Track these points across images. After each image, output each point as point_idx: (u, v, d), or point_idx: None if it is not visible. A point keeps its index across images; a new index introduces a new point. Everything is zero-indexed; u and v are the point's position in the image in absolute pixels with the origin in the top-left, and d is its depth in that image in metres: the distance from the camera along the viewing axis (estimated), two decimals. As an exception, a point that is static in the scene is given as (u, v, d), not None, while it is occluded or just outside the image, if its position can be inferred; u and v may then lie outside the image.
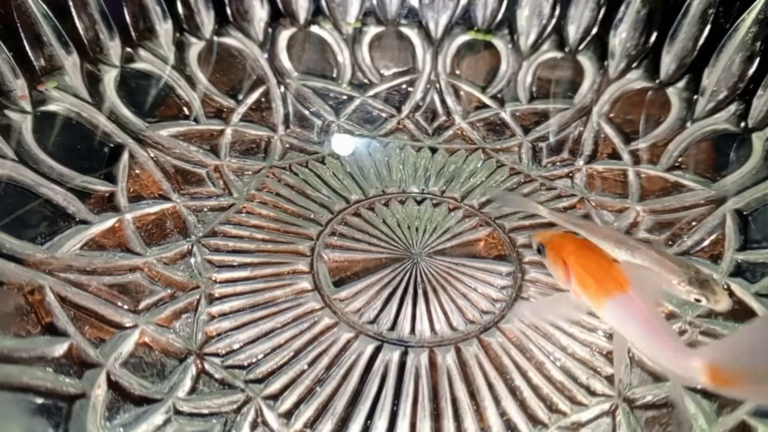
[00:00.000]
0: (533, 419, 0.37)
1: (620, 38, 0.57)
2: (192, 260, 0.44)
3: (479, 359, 0.40)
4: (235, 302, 0.42)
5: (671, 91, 0.57)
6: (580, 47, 0.59)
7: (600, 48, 0.58)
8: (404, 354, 0.40)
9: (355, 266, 0.45)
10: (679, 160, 0.53)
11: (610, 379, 0.39)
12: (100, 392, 0.34)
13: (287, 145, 0.54)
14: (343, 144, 0.54)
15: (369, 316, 0.42)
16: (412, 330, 0.41)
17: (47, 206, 0.41)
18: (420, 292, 0.43)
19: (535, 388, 0.38)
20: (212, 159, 0.51)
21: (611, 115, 0.57)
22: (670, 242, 0.47)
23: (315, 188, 0.51)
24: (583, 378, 0.39)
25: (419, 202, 0.50)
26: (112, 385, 0.35)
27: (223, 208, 0.48)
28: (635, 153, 0.54)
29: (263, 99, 0.56)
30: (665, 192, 0.51)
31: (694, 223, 0.48)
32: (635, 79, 0.57)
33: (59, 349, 0.35)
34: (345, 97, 0.58)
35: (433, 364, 0.39)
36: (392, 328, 0.41)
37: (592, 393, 0.39)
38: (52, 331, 0.35)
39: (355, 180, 0.52)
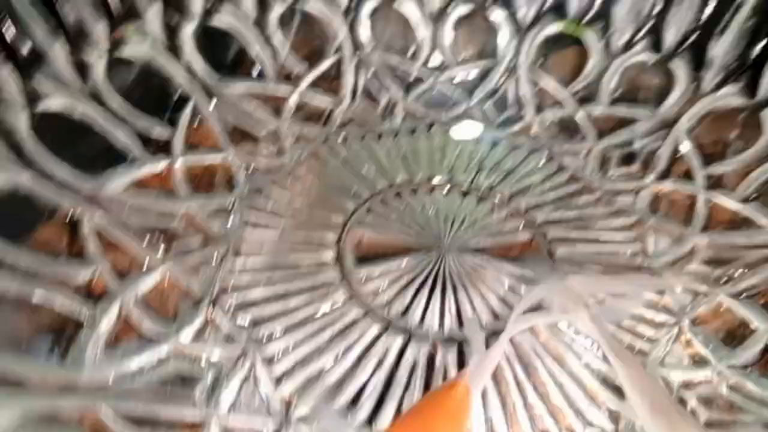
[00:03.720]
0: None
1: (721, 48, 0.51)
2: (230, 215, 0.46)
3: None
4: (258, 261, 0.44)
5: (766, 114, 0.51)
6: (676, 52, 0.54)
7: (696, 56, 0.53)
8: (402, 340, 0.40)
9: (381, 248, 0.45)
10: (758, 192, 0.48)
11: (611, 411, 0.37)
12: (108, 323, 0.37)
13: (349, 117, 0.54)
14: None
15: (382, 300, 0.42)
16: (422, 321, 0.41)
17: (104, 142, 0.45)
18: (439, 284, 0.43)
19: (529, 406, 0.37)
20: (273, 121, 0.52)
21: (695, 131, 0.52)
22: (723, 281, 0.43)
23: (364, 163, 0.51)
24: (582, 405, 0.37)
25: (465, 194, 0.49)
26: (122, 318, 0.38)
27: (271, 170, 0.49)
28: (711, 177, 0.49)
29: (335, 68, 0.56)
30: (732, 225, 0.46)
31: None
32: (729, 95, 0.51)
33: (82, 275, 0.38)
34: (418, 76, 0.57)
35: (431, 359, 0.39)
36: (403, 314, 0.41)
37: (588, 423, 0.37)
38: (81, 257, 0.39)
39: (406, 162, 0.51)
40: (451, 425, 0.29)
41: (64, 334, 0.35)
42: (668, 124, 0.53)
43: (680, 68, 0.53)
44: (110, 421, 0.33)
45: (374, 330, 0.40)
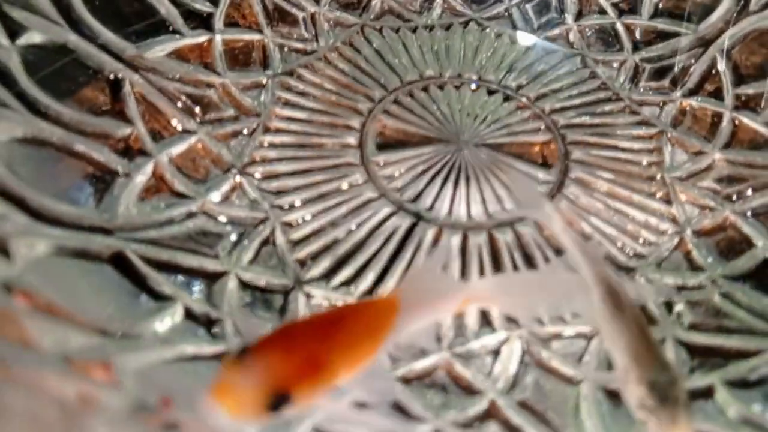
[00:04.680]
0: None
1: (776, -35, 0.50)
2: (263, 92, 0.48)
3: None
4: (286, 137, 0.46)
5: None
6: (727, -34, 0.52)
7: (748, -28, 0.51)
8: (411, 221, 0.42)
9: (401, 136, 0.47)
10: (787, 116, 0.47)
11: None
12: (142, 178, 0.40)
13: (386, 8, 0.55)
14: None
15: (397, 184, 0.44)
16: (431, 207, 0.43)
17: (148, 11, 0.47)
18: (453, 175, 0.45)
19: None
20: (311, 5, 0.53)
21: (734, 50, 0.51)
22: (734, 198, 0.44)
23: (396, 55, 0.52)
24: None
25: (491, 93, 0.50)
26: (156, 174, 0.41)
27: (306, 52, 0.51)
28: (740, 97, 0.49)
29: (380, -45, 0.57)
30: (753, 146, 0.46)
31: (770, 185, 0.44)
32: (776, 17, 0.50)
33: (121, 132, 0.41)
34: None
35: (436, 242, 0.42)
36: (414, 199, 0.44)
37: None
38: (121, 117, 0.42)
39: (438, 57, 0.52)
40: (364, 336, 0.27)
41: (99, 185, 0.39)
42: (708, 42, 0.52)
43: (730, -17, 0.52)
44: (136, 261, 0.36)
45: (386, 210, 0.43)
